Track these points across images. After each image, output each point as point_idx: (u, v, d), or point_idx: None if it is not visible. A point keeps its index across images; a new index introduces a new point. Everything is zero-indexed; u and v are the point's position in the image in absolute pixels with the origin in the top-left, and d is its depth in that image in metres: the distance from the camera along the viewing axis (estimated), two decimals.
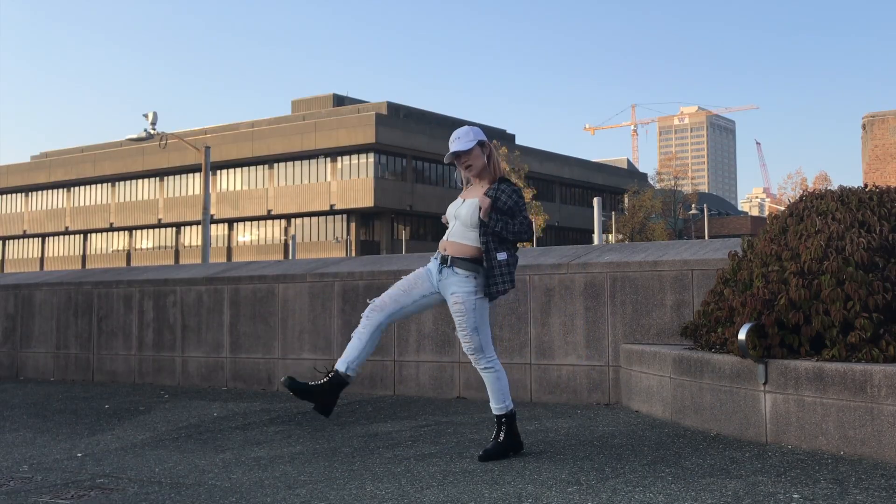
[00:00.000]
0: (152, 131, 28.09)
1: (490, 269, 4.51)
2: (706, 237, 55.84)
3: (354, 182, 57.16)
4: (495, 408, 4.64)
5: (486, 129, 67.82)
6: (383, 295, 4.61)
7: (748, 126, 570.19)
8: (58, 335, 9.56)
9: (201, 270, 9.18)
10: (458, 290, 4.54)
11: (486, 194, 4.55)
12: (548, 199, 67.23)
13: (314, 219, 59.68)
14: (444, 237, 4.69)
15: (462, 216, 4.60)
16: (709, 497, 3.64)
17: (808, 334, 4.62)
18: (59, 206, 70.42)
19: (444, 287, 4.60)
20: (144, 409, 7.04)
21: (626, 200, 68.80)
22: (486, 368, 4.61)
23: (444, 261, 4.59)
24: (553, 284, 6.79)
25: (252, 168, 61.40)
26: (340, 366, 4.49)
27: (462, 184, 4.79)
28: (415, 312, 4.73)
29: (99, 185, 68.49)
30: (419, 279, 4.65)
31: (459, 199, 4.69)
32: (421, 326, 7.28)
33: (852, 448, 4.29)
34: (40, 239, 72.15)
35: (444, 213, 4.80)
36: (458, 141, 4.61)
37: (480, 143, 4.62)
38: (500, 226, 4.50)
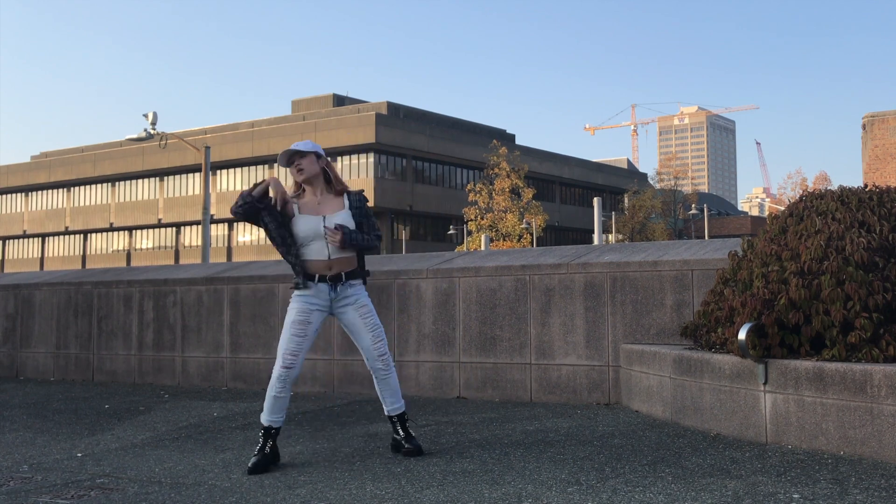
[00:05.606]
0: (152, 131, 28.07)
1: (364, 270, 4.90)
2: (706, 237, 55.83)
3: (354, 182, 57.12)
4: (395, 407, 4.86)
5: (486, 129, 68.07)
6: (285, 353, 4.67)
7: (748, 126, 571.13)
8: (58, 335, 9.56)
9: (201, 270, 9.18)
10: (361, 298, 4.81)
11: (346, 205, 4.82)
12: (548, 199, 67.24)
13: None
14: (313, 257, 4.75)
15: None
16: (709, 497, 3.64)
17: (808, 334, 4.62)
18: (59, 206, 70.42)
19: (342, 303, 4.79)
20: (144, 409, 7.05)
21: (626, 200, 68.77)
22: (392, 366, 4.86)
23: (336, 279, 4.76)
24: (553, 284, 6.80)
25: (252, 168, 61.39)
26: (275, 423, 4.68)
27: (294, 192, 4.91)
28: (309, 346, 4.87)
29: (99, 185, 68.49)
30: (309, 316, 4.74)
31: (312, 217, 4.74)
32: (421, 326, 7.28)
33: (852, 448, 4.29)
34: (40, 239, 72.14)
35: (298, 232, 4.76)
36: (298, 145, 4.85)
37: (317, 154, 4.86)
38: (359, 238, 4.75)
